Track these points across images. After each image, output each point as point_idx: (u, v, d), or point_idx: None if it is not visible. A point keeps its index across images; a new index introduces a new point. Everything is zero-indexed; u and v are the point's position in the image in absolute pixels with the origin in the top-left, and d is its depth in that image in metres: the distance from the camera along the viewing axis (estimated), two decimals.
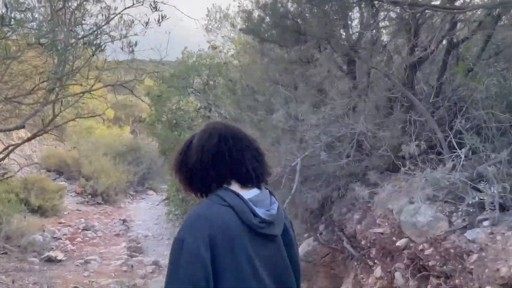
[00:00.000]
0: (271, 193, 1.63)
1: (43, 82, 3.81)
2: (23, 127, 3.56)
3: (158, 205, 13.75)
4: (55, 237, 9.54)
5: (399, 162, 4.19)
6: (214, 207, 1.45)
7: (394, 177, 4.42)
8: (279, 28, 4.88)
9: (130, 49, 4.48)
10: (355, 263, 4.79)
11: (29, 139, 4.78)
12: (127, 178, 15.61)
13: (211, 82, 10.38)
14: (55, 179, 14.65)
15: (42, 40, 2.80)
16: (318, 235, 5.34)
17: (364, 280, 4.52)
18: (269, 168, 1.65)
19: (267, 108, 6.09)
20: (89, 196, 13.89)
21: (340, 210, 5.32)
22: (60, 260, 7.56)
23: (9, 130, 3.60)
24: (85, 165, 14.67)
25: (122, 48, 4.51)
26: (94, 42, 3.32)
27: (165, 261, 8.65)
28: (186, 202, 11.03)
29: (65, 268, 7.31)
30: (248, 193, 1.51)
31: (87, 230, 10.69)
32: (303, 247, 5.38)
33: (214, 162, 1.51)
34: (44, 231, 9.37)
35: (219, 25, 11.96)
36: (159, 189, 16.80)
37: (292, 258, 1.61)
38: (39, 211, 11.25)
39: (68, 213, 12.34)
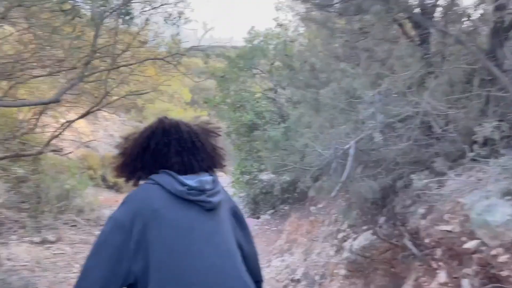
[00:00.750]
0: (212, 177, 1.60)
1: (84, 56, 3.76)
2: (59, 100, 3.53)
3: (225, 187, 13.82)
4: None
5: (475, 148, 3.48)
6: (142, 186, 1.54)
7: (468, 165, 3.70)
8: None
9: (173, 20, 4.26)
10: (417, 264, 4.16)
11: (82, 116, 4.85)
12: None
13: (277, 63, 9.97)
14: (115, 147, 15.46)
15: (64, 6, 2.66)
16: (377, 228, 4.76)
17: (426, 284, 3.89)
18: (217, 158, 1.66)
19: (326, 86, 5.53)
20: None
21: (403, 202, 4.68)
22: None
23: (44, 103, 3.61)
24: None
25: (165, 21, 4.31)
26: (123, 10, 3.12)
27: None
28: (251, 185, 10.90)
29: None
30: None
31: None
32: (360, 241, 4.84)
33: (142, 153, 1.59)
34: (111, 206, 9.83)
35: (290, 4, 11.46)
36: (229, 171, 16.95)
37: (238, 239, 1.58)
38: (114, 187, 11.92)
39: None
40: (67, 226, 7.40)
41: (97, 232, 7.80)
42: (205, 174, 1.57)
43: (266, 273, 7.28)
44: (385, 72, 3.90)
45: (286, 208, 9.85)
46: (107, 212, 9.32)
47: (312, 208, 8.10)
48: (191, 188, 1.47)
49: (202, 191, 1.49)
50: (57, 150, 5.01)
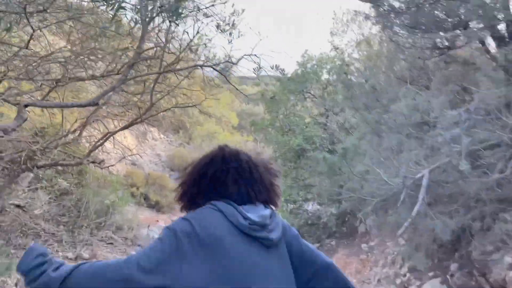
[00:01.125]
0: (270, 211, 1.52)
1: (130, 60, 3.48)
2: (97, 104, 3.24)
3: None
4: None
5: None
6: (205, 210, 1.45)
7: None
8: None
9: (227, 27, 3.91)
10: None
11: (125, 127, 4.58)
12: None
13: (330, 87, 9.48)
14: (177, 178, 15.33)
15: None
16: (448, 276, 4.01)
17: None
18: (273, 195, 1.58)
19: (390, 107, 4.95)
20: None
21: (483, 247, 3.92)
22: None
23: (81, 106, 3.35)
24: None
25: (218, 27, 3.97)
26: (173, 7, 2.80)
27: None
28: (295, 214, 10.26)
29: None
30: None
31: None
32: None
33: (199, 180, 1.55)
34: (148, 226, 9.51)
35: (345, 29, 11.04)
36: None
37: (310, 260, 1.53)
38: (156, 206, 11.68)
39: None
40: (103, 243, 7.13)
41: (133, 251, 7.41)
42: (261, 206, 1.51)
43: None
44: (467, 86, 3.29)
45: (333, 243, 9.09)
46: (145, 232, 9.02)
47: (363, 245, 7.34)
48: (253, 222, 1.41)
49: (263, 226, 1.43)
50: (97, 162, 4.81)
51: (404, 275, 4.99)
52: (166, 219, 11.41)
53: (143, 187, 11.63)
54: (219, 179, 1.53)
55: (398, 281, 5.02)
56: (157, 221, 11.07)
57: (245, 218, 1.42)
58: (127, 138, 17.92)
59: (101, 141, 4.65)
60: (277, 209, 1.63)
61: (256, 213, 1.46)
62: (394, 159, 3.57)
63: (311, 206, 11.09)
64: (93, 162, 4.76)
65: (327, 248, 9.11)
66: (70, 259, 5.96)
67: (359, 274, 6.90)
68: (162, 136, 20.07)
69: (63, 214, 7.14)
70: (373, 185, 3.45)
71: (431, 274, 4.32)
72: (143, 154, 18.17)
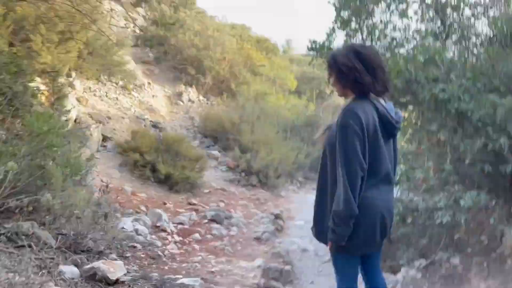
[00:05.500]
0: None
1: None
2: None
3: None
4: (158, 226, 5.97)
5: None
6: (366, 105, 2.37)
7: None
8: None
9: None
10: None
11: None
12: (296, 158, 11.59)
13: None
14: (208, 147, 11.64)
15: None
16: None
17: None
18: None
19: None
20: (243, 174, 10.31)
21: None
22: (116, 282, 3.74)
23: None
24: (244, 133, 11.16)
25: None
26: None
27: None
28: None
29: None
30: (384, 103, 2.47)
31: (217, 223, 6.89)
32: None
33: (354, 76, 2.39)
34: (122, 213, 5.67)
35: None
36: None
37: (395, 151, 2.65)
38: (167, 182, 8.09)
39: (209, 191, 8.94)
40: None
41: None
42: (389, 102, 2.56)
43: None
44: None
45: (457, 261, 4.88)
46: (128, 222, 5.37)
47: None
48: (396, 120, 2.45)
49: (397, 122, 2.48)
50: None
51: None
52: (179, 203, 7.74)
53: (150, 153, 8.05)
54: (369, 74, 2.35)
55: None
56: (165, 203, 7.46)
57: (391, 116, 2.40)
58: (156, 97, 14.73)
59: None
60: None
61: (392, 111, 2.47)
62: None
63: (400, 193, 6.88)
64: None
65: (444, 272, 4.93)
66: None
67: None
68: (201, 98, 16.48)
69: None
70: None
71: None
72: (174, 116, 14.92)
